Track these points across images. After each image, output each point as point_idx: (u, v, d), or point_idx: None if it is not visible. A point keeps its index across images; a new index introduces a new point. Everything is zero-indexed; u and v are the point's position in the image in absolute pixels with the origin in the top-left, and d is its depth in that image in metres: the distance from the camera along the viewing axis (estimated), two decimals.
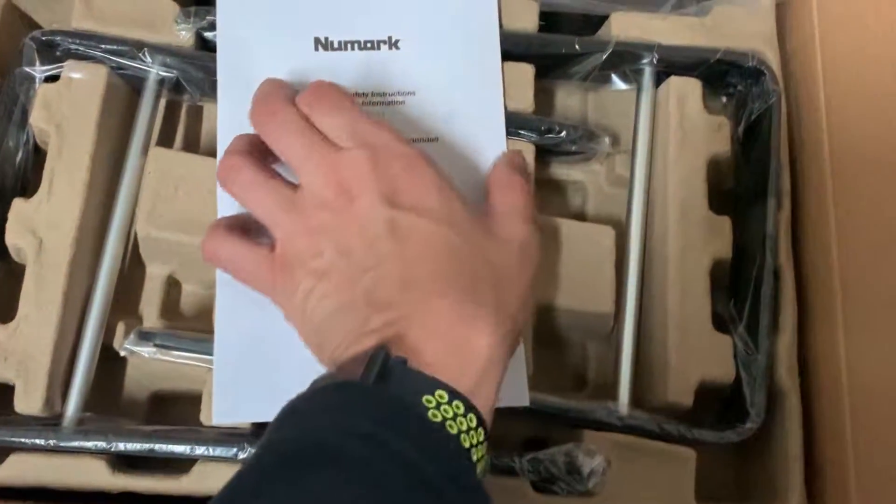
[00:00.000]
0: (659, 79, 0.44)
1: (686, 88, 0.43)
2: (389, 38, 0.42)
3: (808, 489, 0.39)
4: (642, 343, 0.41)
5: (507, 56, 0.42)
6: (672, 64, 0.43)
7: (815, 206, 0.41)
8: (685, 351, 0.39)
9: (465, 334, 0.30)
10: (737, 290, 0.42)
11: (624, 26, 0.43)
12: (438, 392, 0.28)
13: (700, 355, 0.40)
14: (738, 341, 0.40)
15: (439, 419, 0.27)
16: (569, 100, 0.46)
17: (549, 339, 0.42)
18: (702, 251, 0.41)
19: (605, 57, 0.43)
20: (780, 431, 0.40)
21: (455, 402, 0.28)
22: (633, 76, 0.45)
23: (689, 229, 0.41)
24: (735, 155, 0.43)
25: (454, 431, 0.27)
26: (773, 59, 0.44)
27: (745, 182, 0.43)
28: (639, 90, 0.44)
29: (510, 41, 0.42)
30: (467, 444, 0.28)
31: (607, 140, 0.43)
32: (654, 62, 0.43)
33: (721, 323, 0.41)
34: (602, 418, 0.39)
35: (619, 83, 0.45)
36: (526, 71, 0.42)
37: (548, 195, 0.45)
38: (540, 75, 0.43)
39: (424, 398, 0.28)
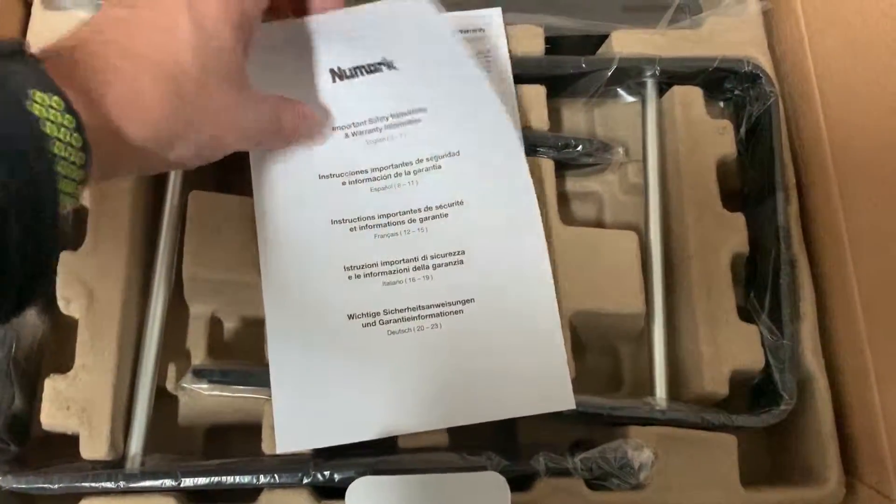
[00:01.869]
0: (661, 90, 0.47)
1: (689, 97, 0.45)
2: (384, 58, 0.43)
3: (844, 464, 0.41)
4: (672, 340, 0.43)
5: (520, 79, 0.45)
6: (673, 75, 0.46)
7: (821, 196, 0.44)
8: (716, 343, 0.41)
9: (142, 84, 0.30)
10: (755, 281, 0.44)
11: (625, 43, 0.46)
12: (56, 99, 0.26)
13: (730, 346, 0.42)
14: (763, 329, 0.42)
15: (38, 115, 0.25)
16: (575, 116, 0.49)
17: (583, 344, 0.44)
18: (721, 248, 0.43)
19: (610, 73, 0.45)
20: (812, 412, 0.42)
21: (67, 117, 0.26)
22: (636, 89, 0.47)
23: (707, 228, 0.43)
24: (739, 155, 0.46)
25: (49, 133, 0.25)
26: (765, 62, 0.47)
27: (752, 180, 0.46)
28: (643, 102, 0.47)
29: (522, 65, 0.45)
30: (60, 161, 0.26)
31: (621, 150, 0.45)
32: (657, 74, 0.46)
33: (744, 314, 0.43)
34: (645, 414, 0.41)
35: (623, 97, 0.48)
36: (539, 92, 0.45)
37: (566, 206, 0.47)
38: (549, 95, 0.46)
39: (35, 91, 0.25)
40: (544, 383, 0.40)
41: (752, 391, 0.44)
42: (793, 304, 0.43)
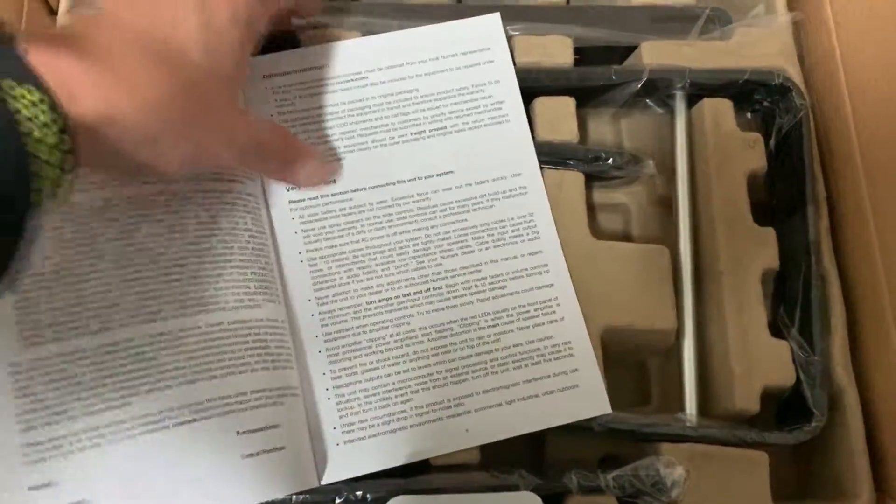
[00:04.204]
0: (690, 101, 0.46)
1: (719, 109, 0.45)
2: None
3: (874, 480, 0.41)
4: (702, 355, 0.43)
5: (549, 91, 0.44)
6: (703, 87, 0.45)
7: (852, 211, 0.44)
8: (747, 359, 0.41)
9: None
10: (784, 296, 0.44)
11: (655, 54, 0.46)
12: (28, 87, 0.25)
13: (762, 363, 0.41)
14: (794, 345, 0.42)
15: (14, 108, 0.24)
16: (602, 127, 0.48)
17: (612, 358, 0.44)
18: (752, 262, 0.43)
19: (640, 85, 0.45)
20: (842, 427, 0.42)
21: (42, 108, 0.25)
22: (664, 100, 0.47)
23: (738, 243, 0.43)
24: (768, 168, 0.45)
25: (25, 130, 0.24)
26: (795, 74, 0.46)
27: (781, 194, 0.46)
28: (673, 114, 0.46)
29: (551, 77, 0.45)
30: (36, 153, 0.25)
31: (652, 163, 0.45)
32: (687, 86, 0.45)
33: (773, 328, 0.43)
34: (677, 431, 0.40)
35: (650, 108, 0.47)
36: (568, 103, 0.45)
37: (593, 218, 0.47)
38: (577, 106, 0.45)
39: (13, 85, 0.24)
40: (577, 390, 0.40)
41: (781, 406, 0.43)
42: (823, 320, 0.42)
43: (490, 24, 0.45)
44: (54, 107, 0.25)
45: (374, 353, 0.40)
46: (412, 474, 0.38)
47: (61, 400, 0.33)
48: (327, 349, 0.40)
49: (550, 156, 0.43)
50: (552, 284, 0.41)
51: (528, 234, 0.42)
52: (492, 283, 0.41)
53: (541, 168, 0.43)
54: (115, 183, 0.36)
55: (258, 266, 0.39)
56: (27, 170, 0.24)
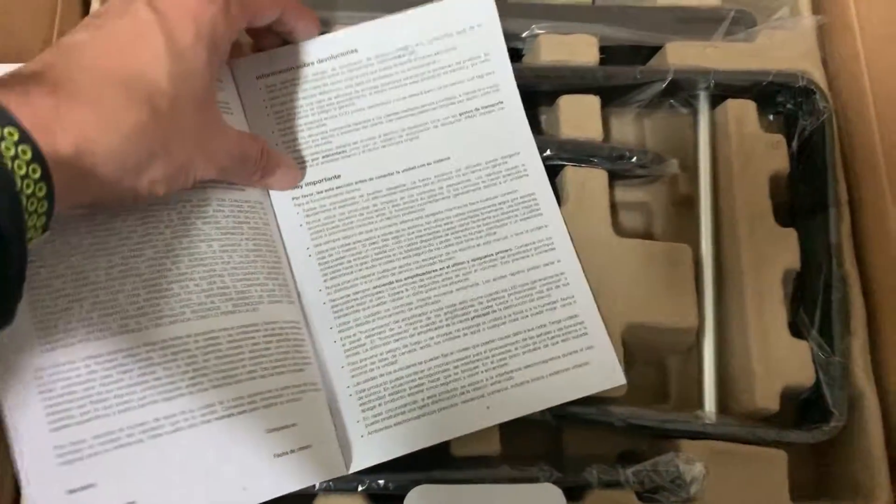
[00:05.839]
0: (713, 102, 0.47)
1: (743, 110, 0.45)
2: None
3: (893, 482, 0.41)
4: (723, 354, 0.43)
5: (574, 89, 0.45)
6: (727, 88, 0.46)
7: (874, 214, 0.44)
8: (768, 358, 0.42)
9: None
10: (805, 297, 0.44)
11: (680, 55, 0.46)
12: (9, 129, 0.26)
13: (782, 362, 0.42)
14: (813, 345, 0.42)
15: None
16: (625, 126, 0.49)
17: (633, 356, 0.44)
18: (773, 263, 0.43)
19: (664, 85, 0.45)
20: (861, 429, 0.42)
21: (22, 147, 0.26)
22: (688, 100, 0.47)
23: (759, 243, 0.43)
24: (791, 170, 0.46)
25: (9, 168, 0.26)
26: (818, 77, 0.46)
27: (802, 195, 0.46)
28: (696, 114, 0.47)
29: (577, 75, 0.45)
30: (24, 193, 0.26)
31: (675, 162, 0.45)
32: (711, 87, 0.46)
33: (793, 329, 0.43)
34: (697, 428, 0.41)
35: (674, 107, 0.48)
36: (592, 102, 0.45)
37: (615, 216, 0.47)
38: (601, 105, 0.46)
39: None
40: (592, 362, 0.41)
41: (800, 405, 0.44)
42: (843, 321, 0.43)
43: (480, 3, 0.45)
44: (32, 144, 0.26)
45: (388, 340, 0.40)
46: (434, 466, 0.39)
47: (95, 398, 0.33)
48: (342, 339, 0.40)
49: (575, 153, 0.44)
50: (559, 260, 0.42)
51: (530, 213, 0.43)
52: (502, 262, 0.42)
53: (564, 165, 0.44)
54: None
55: (273, 266, 0.39)
56: (21, 209, 0.26)
